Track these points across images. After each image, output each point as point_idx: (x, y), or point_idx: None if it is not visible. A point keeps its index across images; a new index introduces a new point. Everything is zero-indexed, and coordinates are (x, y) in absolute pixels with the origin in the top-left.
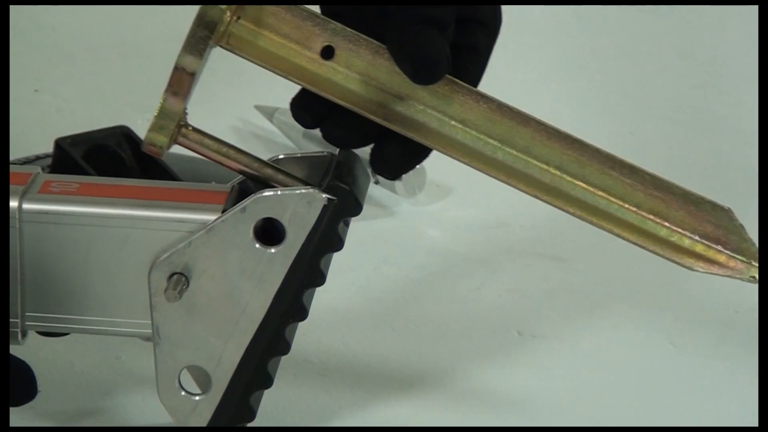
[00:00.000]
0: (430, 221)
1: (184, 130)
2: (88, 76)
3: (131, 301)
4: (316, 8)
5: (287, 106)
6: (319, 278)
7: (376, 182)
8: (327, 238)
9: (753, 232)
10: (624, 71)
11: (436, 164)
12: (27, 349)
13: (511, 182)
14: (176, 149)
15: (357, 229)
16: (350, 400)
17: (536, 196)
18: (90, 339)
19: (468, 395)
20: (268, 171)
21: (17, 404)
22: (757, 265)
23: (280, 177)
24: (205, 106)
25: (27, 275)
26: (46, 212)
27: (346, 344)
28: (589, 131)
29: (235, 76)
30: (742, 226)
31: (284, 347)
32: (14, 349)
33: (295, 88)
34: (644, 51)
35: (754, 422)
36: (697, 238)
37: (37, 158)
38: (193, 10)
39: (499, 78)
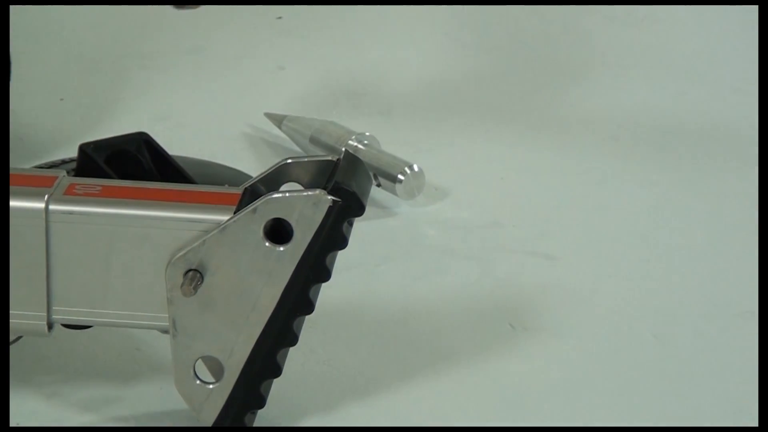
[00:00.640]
0: (429, 221)
1: None
2: (110, 86)
3: (150, 295)
4: None
5: (295, 114)
6: (325, 274)
7: (378, 185)
8: (332, 237)
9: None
10: (609, 80)
11: (435, 168)
12: (53, 341)
13: None
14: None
15: (360, 229)
16: (353, 388)
17: None
18: (111, 331)
19: (464, 381)
20: None
21: None
22: None
23: None
24: (218, 114)
25: (53, 272)
26: (71, 212)
27: (350, 336)
28: (576, 136)
29: (246, 87)
30: None
31: (292, 339)
32: (42, 341)
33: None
34: (627, 62)
35: (729, 412)
36: None
37: (63, 162)
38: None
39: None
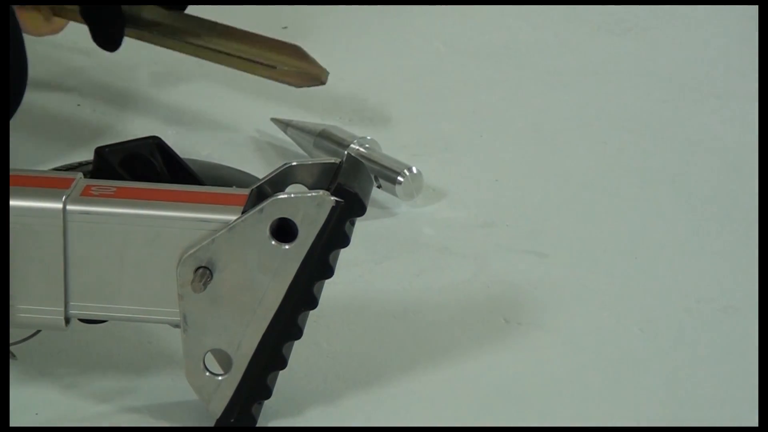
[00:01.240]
0: (427, 221)
1: None
2: (124, 92)
3: (161, 291)
4: None
5: (300, 118)
6: (328, 271)
7: (379, 186)
8: (335, 236)
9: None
10: (598, 88)
11: (433, 171)
12: (70, 334)
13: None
14: (199, 157)
15: (362, 228)
16: (355, 380)
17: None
18: (125, 325)
19: (461, 373)
20: None
21: None
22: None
23: None
24: (226, 119)
25: (70, 269)
26: (87, 213)
27: (352, 330)
28: (567, 141)
29: (254, 93)
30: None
31: (297, 333)
32: (59, 335)
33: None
34: (615, 70)
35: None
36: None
37: (80, 165)
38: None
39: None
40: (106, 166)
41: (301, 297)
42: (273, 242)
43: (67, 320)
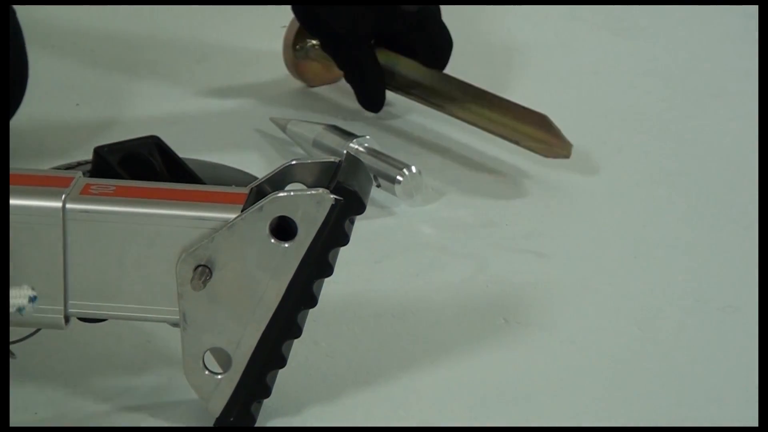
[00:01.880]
0: (426, 220)
1: None
2: (124, 92)
3: (161, 290)
4: None
5: (299, 118)
6: (328, 270)
7: (378, 185)
8: (334, 234)
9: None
10: (599, 87)
11: (432, 171)
12: (69, 333)
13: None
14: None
15: (361, 227)
16: (354, 379)
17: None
18: (125, 324)
19: (460, 372)
20: None
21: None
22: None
23: None
24: (226, 119)
25: (69, 268)
26: (87, 211)
27: (351, 329)
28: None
29: (253, 92)
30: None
31: (296, 331)
32: (59, 333)
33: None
34: (615, 70)
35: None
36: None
37: (79, 164)
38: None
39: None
40: (106, 166)
41: (300, 295)
42: (272, 240)
43: (67, 319)
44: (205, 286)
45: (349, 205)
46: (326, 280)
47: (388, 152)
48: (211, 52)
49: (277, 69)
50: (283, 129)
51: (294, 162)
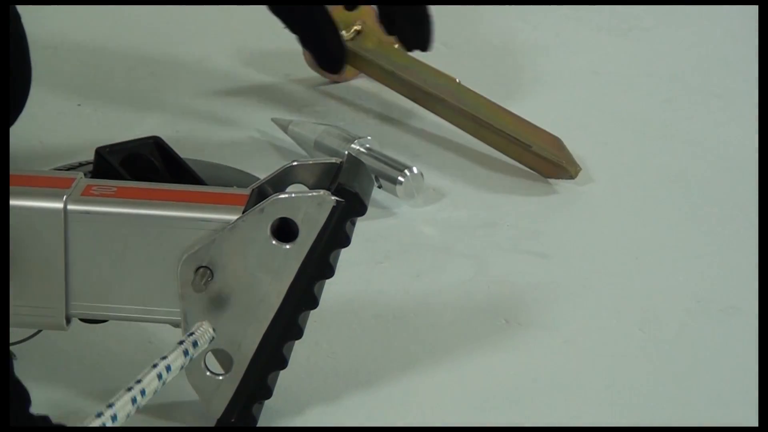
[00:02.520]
0: (427, 221)
1: None
2: (125, 92)
3: (162, 291)
4: None
5: (300, 119)
6: (329, 271)
7: (379, 186)
8: (336, 235)
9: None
10: (600, 88)
11: (433, 171)
12: (71, 334)
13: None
14: (199, 157)
15: (362, 228)
16: (356, 380)
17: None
18: (126, 325)
19: (461, 374)
20: None
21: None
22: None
23: None
24: (227, 119)
25: (71, 269)
26: (88, 212)
27: (352, 330)
28: (570, 140)
29: (254, 92)
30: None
31: (298, 332)
32: (60, 334)
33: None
34: (617, 70)
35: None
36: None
37: (80, 165)
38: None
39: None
40: (107, 166)
41: (301, 297)
42: (274, 242)
43: (68, 320)
44: (206, 287)
45: (350, 207)
46: (327, 281)
47: (389, 153)
48: (212, 52)
49: (279, 69)
50: (285, 129)
51: (295, 163)
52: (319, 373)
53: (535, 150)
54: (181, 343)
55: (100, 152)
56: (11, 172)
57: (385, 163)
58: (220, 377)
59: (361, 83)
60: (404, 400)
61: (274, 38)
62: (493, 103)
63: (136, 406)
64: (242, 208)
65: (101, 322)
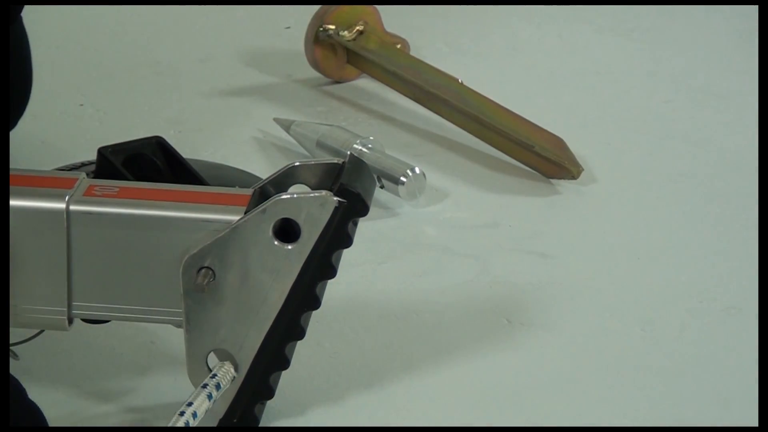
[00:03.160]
0: (429, 221)
1: None
2: (127, 92)
3: (164, 291)
4: None
5: (303, 119)
6: (331, 272)
7: (381, 186)
8: (338, 236)
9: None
10: (602, 88)
11: (435, 171)
12: (73, 334)
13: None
14: (202, 157)
15: (364, 228)
16: (358, 380)
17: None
18: (128, 325)
19: (463, 373)
20: None
21: None
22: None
23: None
24: (229, 119)
25: (73, 269)
26: (90, 213)
27: (355, 330)
28: (572, 140)
29: (256, 93)
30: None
31: (300, 333)
32: (62, 334)
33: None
34: (620, 71)
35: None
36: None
37: (83, 165)
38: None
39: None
40: (109, 166)
41: (303, 297)
42: (276, 242)
43: (70, 320)
44: (208, 287)
45: (352, 207)
46: (329, 281)
47: (391, 153)
48: (214, 52)
49: (281, 69)
50: (287, 129)
51: (297, 163)
52: (321, 374)
53: (537, 150)
54: (204, 386)
55: (102, 152)
56: (14, 173)
57: (388, 164)
58: None
59: (363, 83)
60: (406, 400)
61: (277, 38)
62: (496, 104)
63: None
64: (244, 208)
65: (103, 323)
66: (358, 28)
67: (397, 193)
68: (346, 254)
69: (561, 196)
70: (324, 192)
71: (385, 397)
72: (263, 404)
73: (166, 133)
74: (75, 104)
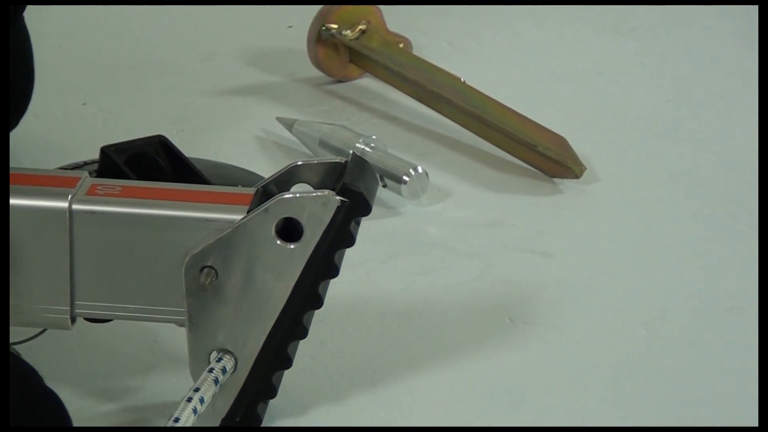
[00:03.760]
0: (432, 221)
1: None
2: (130, 91)
3: (167, 291)
4: None
5: (305, 118)
6: (334, 271)
7: (384, 186)
8: (340, 235)
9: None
10: (605, 88)
11: (438, 170)
12: (75, 333)
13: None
14: (204, 156)
15: (367, 227)
16: (360, 380)
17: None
18: (131, 325)
19: (466, 373)
20: None
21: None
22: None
23: None
24: (232, 118)
25: (76, 268)
26: (93, 212)
27: (357, 329)
28: (575, 140)
29: (259, 92)
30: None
31: (302, 332)
32: (65, 333)
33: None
34: (622, 70)
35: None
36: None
37: (85, 164)
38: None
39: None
40: (112, 165)
41: (306, 296)
42: (278, 242)
43: (73, 319)
44: (211, 286)
45: (354, 207)
46: (332, 280)
47: (394, 152)
48: (217, 51)
49: (284, 68)
50: (290, 129)
51: (300, 162)
52: (324, 373)
53: (540, 149)
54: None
55: (105, 151)
56: (16, 172)
57: (390, 163)
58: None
59: (366, 82)
60: (409, 400)
61: (279, 37)
62: (498, 103)
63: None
64: (247, 207)
65: (106, 322)
66: (360, 27)
67: (399, 193)
68: (349, 253)
69: (564, 195)
70: (327, 191)
71: (388, 397)
72: (266, 403)
73: (168, 132)
74: (78, 103)
